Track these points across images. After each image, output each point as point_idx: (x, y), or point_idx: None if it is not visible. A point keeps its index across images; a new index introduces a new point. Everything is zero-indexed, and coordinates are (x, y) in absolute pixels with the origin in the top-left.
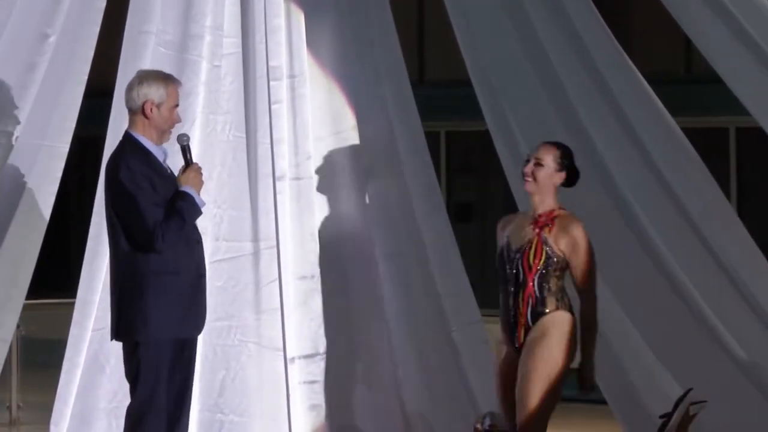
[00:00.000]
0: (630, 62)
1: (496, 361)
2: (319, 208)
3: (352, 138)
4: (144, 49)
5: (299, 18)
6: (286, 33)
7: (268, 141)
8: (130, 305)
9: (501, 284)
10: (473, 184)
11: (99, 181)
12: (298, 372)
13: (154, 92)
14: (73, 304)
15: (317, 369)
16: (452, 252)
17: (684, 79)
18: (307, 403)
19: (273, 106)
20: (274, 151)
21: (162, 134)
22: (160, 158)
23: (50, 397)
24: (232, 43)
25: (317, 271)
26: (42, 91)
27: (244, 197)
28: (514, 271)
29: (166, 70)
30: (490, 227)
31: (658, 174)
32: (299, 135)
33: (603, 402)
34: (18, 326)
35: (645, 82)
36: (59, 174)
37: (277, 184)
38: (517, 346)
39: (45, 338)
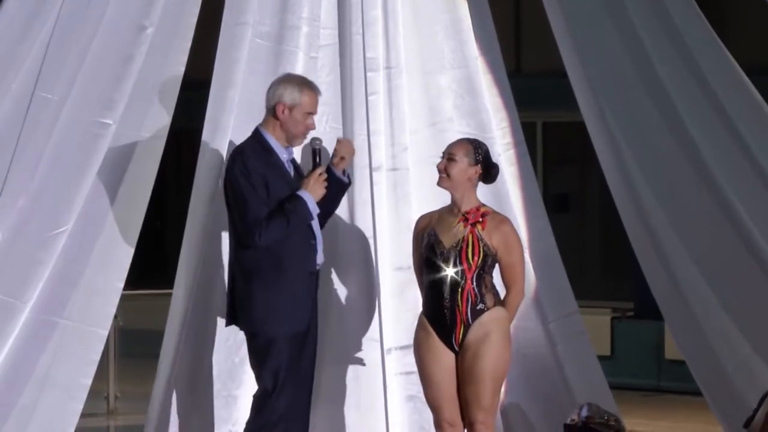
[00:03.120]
0: (727, 52)
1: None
2: (416, 199)
3: (449, 129)
4: (241, 41)
5: (396, 9)
6: (383, 24)
7: (365, 132)
8: (244, 297)
9: (430, 283)
10: (570, 175)
11: (195, 173)
12: (395, 363)
13: (288, 95)
14: (169, 294)
15: (414, 360)
16: (549, 243)
17: None
18: (404, 394)
19: (369, 98)
20: (371, 143)
21: (292, 138)
22: (284, 157)
23: (147, 387)
24: (328, 34)
25: None
26: (139, 84)
27: None
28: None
29: (263, 61)
30: (587, 218)
31: (756, 165)
32: (396, 126)
33: (699, 393)
34: (115, 317)
35: (743, 73)
36: (156, 166)
37: (374, 175)
38: (455, 345)
39: (142, 329)
